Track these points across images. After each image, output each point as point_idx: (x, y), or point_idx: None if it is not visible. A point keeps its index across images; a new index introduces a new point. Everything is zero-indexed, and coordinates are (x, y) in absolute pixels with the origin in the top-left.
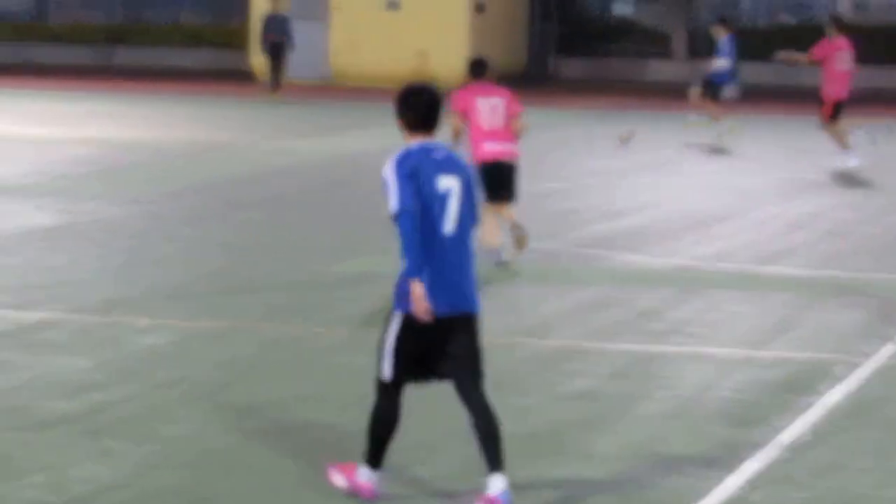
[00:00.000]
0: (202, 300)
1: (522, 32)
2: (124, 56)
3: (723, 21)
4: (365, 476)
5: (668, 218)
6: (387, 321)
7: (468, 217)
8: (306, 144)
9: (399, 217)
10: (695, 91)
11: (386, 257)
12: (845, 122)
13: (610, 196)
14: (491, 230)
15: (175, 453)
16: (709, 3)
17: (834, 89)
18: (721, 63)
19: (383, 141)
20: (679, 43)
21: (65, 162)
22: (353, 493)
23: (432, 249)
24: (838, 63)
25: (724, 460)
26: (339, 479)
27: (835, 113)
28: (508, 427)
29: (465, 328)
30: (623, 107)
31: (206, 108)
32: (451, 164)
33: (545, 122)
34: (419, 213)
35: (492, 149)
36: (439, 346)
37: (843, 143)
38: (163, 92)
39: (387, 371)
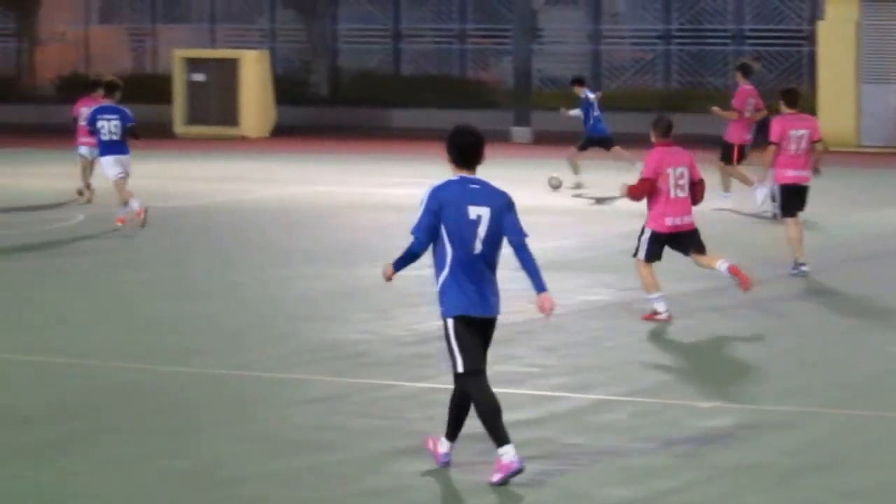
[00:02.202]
0: (768, 382)
1: None
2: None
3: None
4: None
5: None
6: (444, 330)
7: (496, 239)
8: (872, 217)
9: (413, 235)
10: None
11: None
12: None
13: None
14: (797, 239)
15: None
16: None
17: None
18: None
19: None
20: None
21: (620, 236)
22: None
23: (466, 265)
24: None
25: None
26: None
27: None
28: None
29: (488, 329)
30: None
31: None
32: (482, 196)
33: None
34: (425, 243)
35: (792, 175)
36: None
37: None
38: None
39: (460, 364)
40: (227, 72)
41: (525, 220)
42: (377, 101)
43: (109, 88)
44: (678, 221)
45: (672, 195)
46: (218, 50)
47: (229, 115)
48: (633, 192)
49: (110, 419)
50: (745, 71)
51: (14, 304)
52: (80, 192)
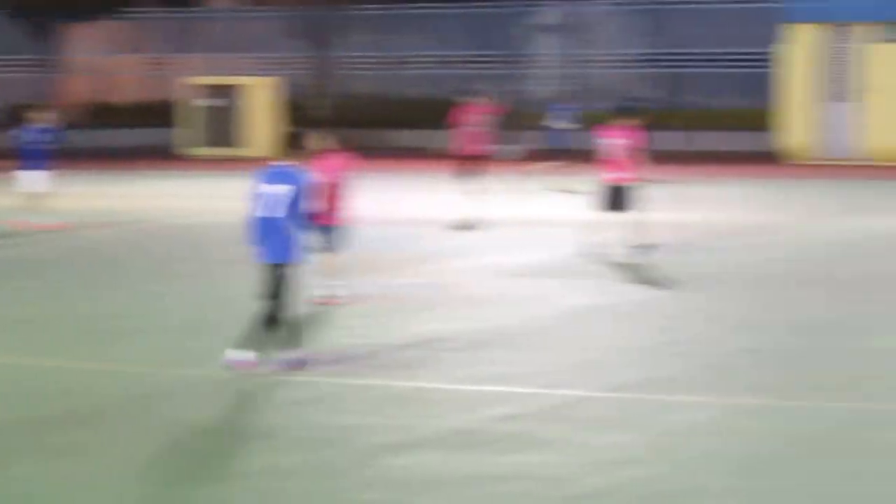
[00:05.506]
0: (736, 377)
1: None
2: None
3: None
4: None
5: None
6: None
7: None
8: (840, 224)
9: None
10: None
11: None
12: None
13: None
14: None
15: None
16: None
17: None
18: None
19: None
20: None
21: (600, 244)
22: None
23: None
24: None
25: None
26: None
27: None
28: None
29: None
30: None
31: (739, 189)
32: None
33: None
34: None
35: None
36: None
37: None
38: (697, 174)
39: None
40: (240, 97)
41: (509, 231)
42: (375, 123)
43: None
44: None
45: None
46: (232, 77)
47: (241, 138)
48: None
49: (115, 421)
50: (469, 92)
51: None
52: None
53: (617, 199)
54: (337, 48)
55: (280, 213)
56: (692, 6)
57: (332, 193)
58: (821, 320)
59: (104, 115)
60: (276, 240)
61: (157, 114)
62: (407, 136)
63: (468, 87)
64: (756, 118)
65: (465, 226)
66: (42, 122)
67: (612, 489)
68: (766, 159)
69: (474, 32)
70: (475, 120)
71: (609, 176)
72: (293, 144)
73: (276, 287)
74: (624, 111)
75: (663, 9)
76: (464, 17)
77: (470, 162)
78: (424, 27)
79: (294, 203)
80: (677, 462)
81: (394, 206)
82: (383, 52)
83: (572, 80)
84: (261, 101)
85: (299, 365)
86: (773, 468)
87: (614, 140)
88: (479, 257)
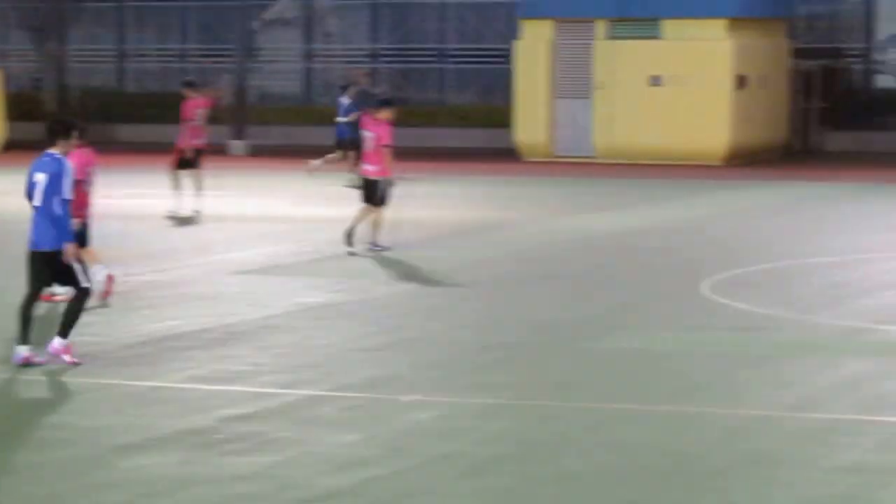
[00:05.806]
0: (468, 376)
1: (785, 107)
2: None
3: None
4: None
5: None
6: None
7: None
8: (574, 222)
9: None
10: None
11: (654, 336)
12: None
13: (879, 269)
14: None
15: None
16: None
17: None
18: None
19: (645, 219)
20: None
21: (336, 241)
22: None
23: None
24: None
25: None
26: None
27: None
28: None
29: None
30: (890, 180)
31: (475, 186)
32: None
33: (811, 196)
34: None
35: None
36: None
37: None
38: (433, 171)
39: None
40: None
41: (242, 227)
42: (103, 117)
43: None
44: None
45: None
46: None
47: None
48: None
49: None
50: (191, 85)
51: None
52: None
53: (370, 193)
54: (67, 40)
55: (44, 200)
56: (430, 0)
57: (75, 189)
58: (552, 319)
59: None
60: (42, 227)
61: None
62: (138, 130)
63: (192, 80)
64: (494, 115)
65: (187, 221)
66: None
67: (343, 491)
68: (504, 156)
69: (208, 26)
70: (196, 114)
71: (365, 169)
72: (56, 133)
73: (41, 274)
74: (379, 105)
75: (401, 2)
76: (199, 9)
77: (190, 155)
78: (158, 20)
79: (54, 190)
80: (406, 463)
81: (123, 201)
82: (115, 45)
83: (307, 74)
84: None
85: (34, 361)
86: (500, 468)
87: (371, 133)
88: (214, 254)
